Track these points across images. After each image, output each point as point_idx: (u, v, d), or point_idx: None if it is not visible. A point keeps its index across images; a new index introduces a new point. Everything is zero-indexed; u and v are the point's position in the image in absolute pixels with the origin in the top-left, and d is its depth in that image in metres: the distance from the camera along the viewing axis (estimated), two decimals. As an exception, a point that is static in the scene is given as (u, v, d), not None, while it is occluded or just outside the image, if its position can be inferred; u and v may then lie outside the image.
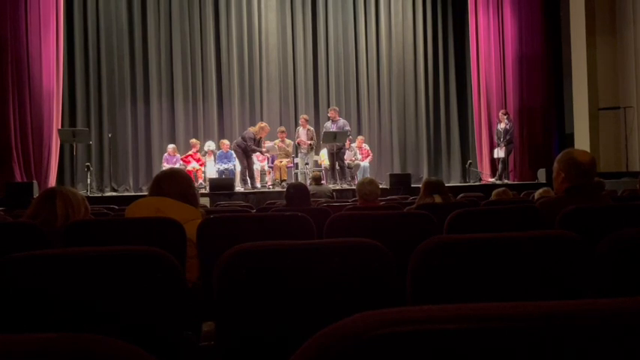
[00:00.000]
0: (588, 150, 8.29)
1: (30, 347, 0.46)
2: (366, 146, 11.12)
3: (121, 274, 1.25)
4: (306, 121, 10.38)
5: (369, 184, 3.91)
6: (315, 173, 8.38)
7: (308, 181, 8.71)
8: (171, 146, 10.72)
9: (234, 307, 1.25)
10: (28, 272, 1.21)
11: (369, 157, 11.03)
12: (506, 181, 10.80)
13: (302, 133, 10.23)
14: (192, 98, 11.69)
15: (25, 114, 9.73)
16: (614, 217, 2.18)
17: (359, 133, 11.82)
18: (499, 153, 11.24)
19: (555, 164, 2.64)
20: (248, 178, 9.80)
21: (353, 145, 10.90)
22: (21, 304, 1.20)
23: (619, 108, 10.64)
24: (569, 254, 1.28)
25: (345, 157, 10.40)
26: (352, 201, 5.37)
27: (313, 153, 10.41)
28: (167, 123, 11.60)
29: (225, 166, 10.36)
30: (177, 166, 9.92)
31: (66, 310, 1.21)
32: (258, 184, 10.10)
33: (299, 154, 10.44)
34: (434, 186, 3.78)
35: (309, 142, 10.14)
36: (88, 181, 9.68)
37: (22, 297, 1.20)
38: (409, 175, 10.37)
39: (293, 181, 9.77)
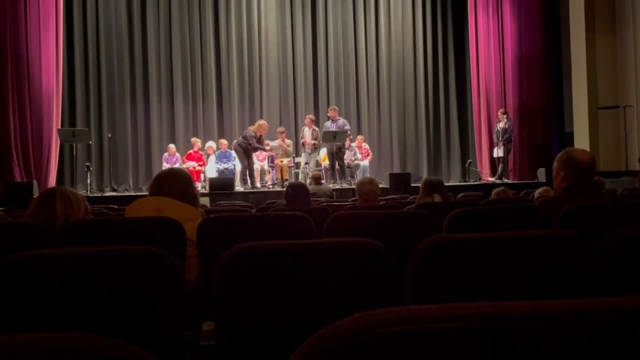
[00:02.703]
0: (588, 149, 8.30)
1: (30, 347, 0.46)
2: (365, 146, 11.11)
3: (120, 274, 1.25)
4: (312, 121, 10.38)
5: (368, 184, 3.92)
6: (315, 173, 8.37)
7: (308, 181, 8.71)
8: (171, 146, 10.71)
9: (234, 307, 1.25)
10: (28, 272, 1.20)
11: (369, 157, 11.02)
12: (505, 180, 10.80)
13: (307, 133, 10.24)
14: (192, 98, 11.68)
15: (24, 114, 9.72)
16: (614, 216, 2.17)
17: (359, 132, 11.81)
18: (499, 152, 11.24)
19: (555, 163, 2.64)
20: (248, 177, 9.80)
21: (353, 144, 10.90)
22: (21, 304, 1.20)
23: (618, 107, 10.64)
24: (569, 253, 1.28)
25: (344, 156, 10.39)
26: (352, 200, 5.37)
27: (317, 153, 10.42)
28: (167, 123, 11.59)
29: (225, 165, 10.36)
30: (177, 165, 9.91)
31: (66, 310, 1.21)
32: (258, 184, 10.09)
33: (303, 154, 10.44)
34: (433, 185, 3.78)
35: (313, 141, 10.14)
36: (88, 180, 9.67)
37: (22, 297, 1.20)
38: (409, 174, 10.37)
39: (293, 180, 9.77)
